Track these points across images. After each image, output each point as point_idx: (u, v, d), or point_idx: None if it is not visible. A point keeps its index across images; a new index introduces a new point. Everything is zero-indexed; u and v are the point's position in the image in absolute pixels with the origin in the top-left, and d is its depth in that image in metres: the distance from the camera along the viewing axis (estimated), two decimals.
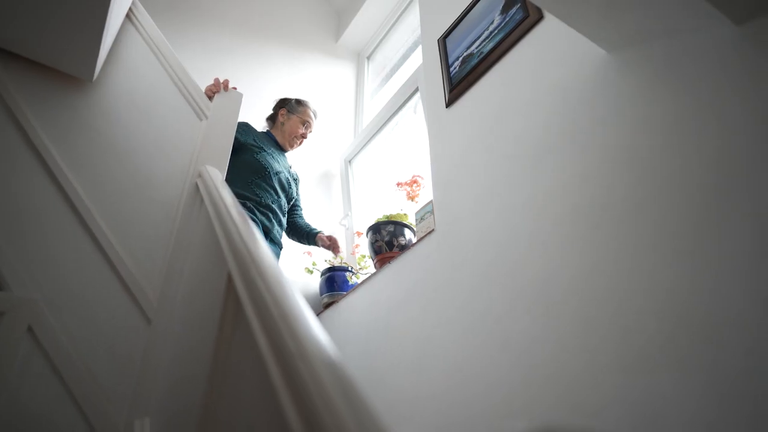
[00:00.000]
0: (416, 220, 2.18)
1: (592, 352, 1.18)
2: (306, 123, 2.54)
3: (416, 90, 2.73)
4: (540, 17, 1.78)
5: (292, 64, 3.56)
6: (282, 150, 2.51)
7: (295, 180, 2.53)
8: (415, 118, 2.81)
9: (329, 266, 2.67)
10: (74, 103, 1.55)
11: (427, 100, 2.32)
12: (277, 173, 2.30)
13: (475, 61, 2.02)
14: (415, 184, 2.48)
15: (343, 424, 0.43)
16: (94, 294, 1.35)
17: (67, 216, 1.40)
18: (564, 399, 1.19)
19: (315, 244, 2.60)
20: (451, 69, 2.17)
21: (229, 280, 0.87)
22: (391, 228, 2.31)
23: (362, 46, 3.96)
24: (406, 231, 2.34)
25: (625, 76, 1.38)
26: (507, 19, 1.93)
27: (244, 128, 2.33)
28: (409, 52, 3.55)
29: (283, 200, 2.35)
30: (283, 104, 2.59)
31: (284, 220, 2.36)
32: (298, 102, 2.59)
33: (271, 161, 2.30)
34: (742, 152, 1.05)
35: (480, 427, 1.38)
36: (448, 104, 2.12)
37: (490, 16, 2.04)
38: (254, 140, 2.31)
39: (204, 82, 2.01)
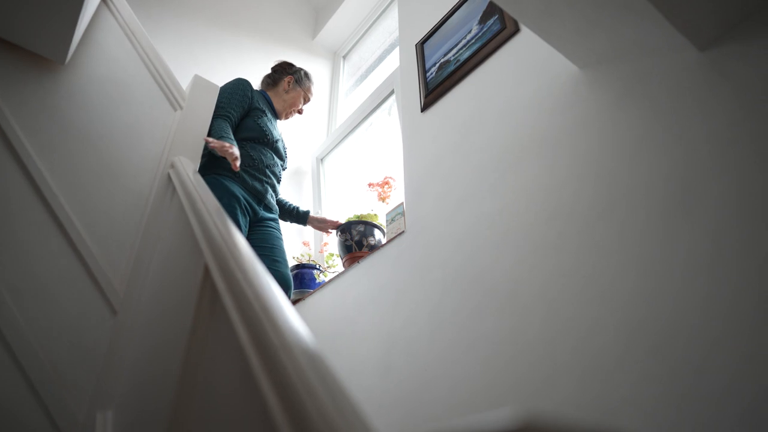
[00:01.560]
0: (387, 221, 2.20)
1: (553, 355, 1.23)
2: (306, 100, 2.39)
3: (392, 92, 2.76)
4: (516, 30, 1.83)
5: (267, 58, 3.52)
6: (276, 116, 2.32)
7: (286, 150, 2.34)
8: (389, 120, 2.84)
9: (297, 263, 2.67)
10: (44, 86, 1.51)
11: (403, 103, 2.35)
12: (275, 140, 2.14)
13: (451, 67, 2.06)
14: (386, 186, 2.51)
15: (327, 412, 0.45)
16: (58, 282, 1.32)
17: (33, 201, 1.36)
18: (525, 400, 1.24)
19: (304, 223, 2.46)
20: (428, 74, 2.21)
21: (206, 272, 0.88)
22: (361, 228, 2.32)
23: (339, 45, 3.96)
24: (376, 231, 2.36)
25: (595, 91, 1.45)
26: (484, 29, 1.98)
27: (250, 89, 2.15)
28: (385, 54, 3.58)
29: (279, 166, 2.19)
30: (290, 71, 2.39)
31: (278, 188, 2.21)
32: (307, 76, 2.42)
33: (272, 128, 2.15)
34: (700, 169, 1.12)
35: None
36: (424, 109, 2.16)
37: (468, 25, 2.09)
38: (258, 102, 2.14)
39: (176, 70, 1.99)
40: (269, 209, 2.10)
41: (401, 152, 2.27)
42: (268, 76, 2.39)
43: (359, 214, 2.41)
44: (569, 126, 1.48)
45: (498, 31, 1.90)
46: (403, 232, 2.00)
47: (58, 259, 1.34)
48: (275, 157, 2.11)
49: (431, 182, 1.94)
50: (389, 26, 3.56)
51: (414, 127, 2.19)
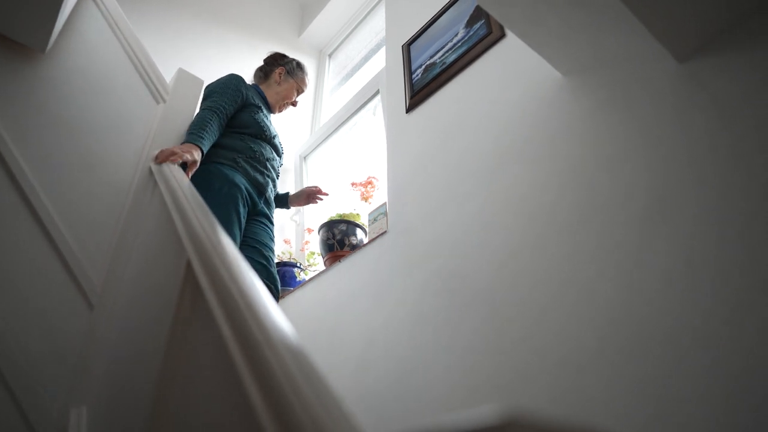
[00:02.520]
0: (369, 220, 2.21)
1: (530, 355, 1.25)
2: (300, 91, 2.26)
3: (377, 92, 2.76)
4: (502, 35, 1.86)
5: (252, 54, 3.50)
6: (270, 110, 2.21)
7: (282, 146, 2.23)
8: (374, 120, 2.84)
9: (278, 261, 2.65)
10: (23, 74, 1.47)
11: (388, 103, 2.36)
12: (272, 136, 2.04)
13: (437, 70, 2.08)
14: (369, 185, 2.51)
15: (311, 407, 0.45)
16: (34, 275, 1.29)
17: (8, 190, 1.33)
18: (501, 398, 1.26)
19: (287, 206, 2.33)
20: (414, 76, 2.22)
21: (188, 267, 0.87)
22: (343, 227, 2.33)
23: (325, 43, 3.95)
24: (358, 231, 2.36)
25: (578, 98, 1.47)
26: (471, 33, 2.00)
27: (243, 84, 2.03)
28: (371, 54, 3.58)
29: (278, 163, 2.09)
30: (282, 62, 2.27)
31: (277, 183, 2.09)
32: (299, 66, 2.28)
33: (268, 122, 2.06)
34: (677, 178, 1.15)
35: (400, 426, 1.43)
36: (409, 110, 2.17)
37: (455, 28, 2.11)
38: (252, 98, 2.02)
39: (160, 63, 1.95)
40: (268, 204, 2.00)
41: (385, 152, 2.28)
42: (259, 69, 2.29)
43: (342, 213, 2.42)
44: (552, 132, 1.51)
45: (484, 35, 1.92)
46: (385, 232, 2.01)
47: (34, 252, 1.32)
48: (273, 152, 2.03)
49: (414, 183, 1.95)
50: (376, 26, 3.56)
51: (399, 128, 2.20)
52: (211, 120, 1.75)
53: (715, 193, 1.07)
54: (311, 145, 3.25)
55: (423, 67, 2.19)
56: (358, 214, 2.45)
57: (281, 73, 2.21)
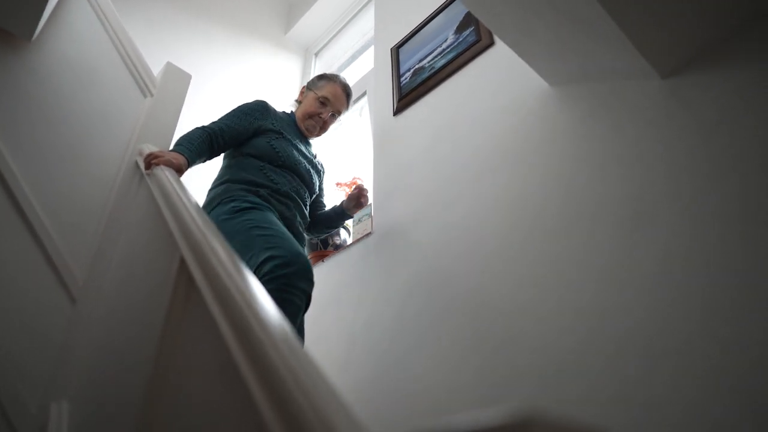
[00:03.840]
0: (353, 221, 2.22)
1: (512, 358, 1.28)
2: (325, 102, 1.94)
3: (364, 94, 2.78)
4: (491, 43, 1.89)
5: (237, 49, 3.48)
6: (306, 137, 1.99)
7: (319, 172, 2.00)
8: (360, 121, 2.85)
9: None
10: (7, 62, 1.44)
11: (375, 105, 2.37)
12: (295, 162, 1.81)
13: (426, 74, 2.10)
14: (354, 186, 2.52)
15: (314, 399, 0.47)
16: (14, 266, 1.27)
17: None
18: (483, 401, 1.28)
19: (347, 216, 2.07)
20: (402, 79, 2.24)
21: (182, 264, 0.87)
22: None
23: (311, 42, 3.94)
24: (342, 231, 2.37)
25: (563, 109, 1.51)
26: (460, 39, 2.03)
27: (261, 110, 1.86)
28: (357, 55, 3.59)
29: (305, 191, 1.84)
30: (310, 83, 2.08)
31: (307, 214, 1.87)
32: (321, 76, 2.05)
33: (289, 148, 1.81)
34: (657, 190, 1.19)
35: (402, 426, 1.45)
36: (396, 112, 2.19)
37: (444, 34, 2.14)
38: (273, 124, 1.83)
39: (144, 55, 1.92)
40: (297, 236, 1.74)
41: (370, 154, 2.29)
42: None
43: None
44: (538, 140, 1.54)
45: (473, 42, 1.95)
46: (370, 233, 2.02)
47: (15, 243, 1.29)
48: (296, 179, 1.80)
49: (401, 186, 1.97)
50: (363, 27, 3.58)
51: (386, 130, 2.22)
52: (200, 137, 1.62)
53: (690, 207, 1.12)
54: None
55: (412, 70, 2.21)
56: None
57: (303, 91, 2.05)
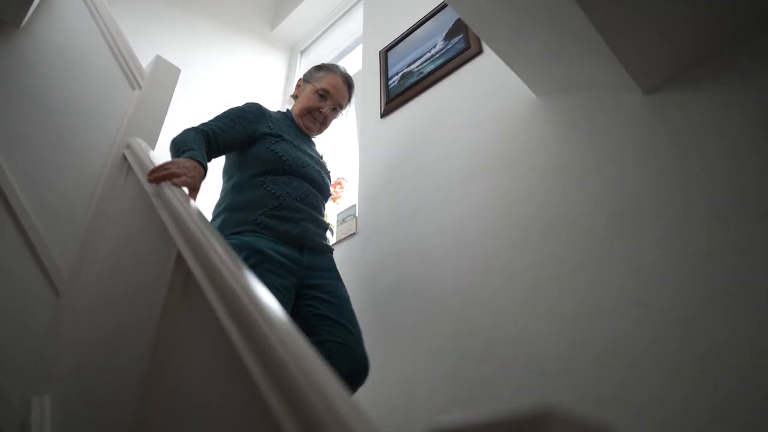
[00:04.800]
0: (337, 221, 2.23)
1: (495, 361, 1.32)
2: (324, 94, 1.73)
3: None
4: (479, 51, 1.93)
5: (223, 44, 3.45)
6: (307, 135, 1.78)
7: (328, 173, 1.78)
8: (345, 120, 2.86)
9: None
10: None
11: (362, 107, 2.39)
12: (303, 165, 1.58)
13: (414, 78, 2.13)
14: (338, 186, 2.54)
15: (319, 387, 0.49)
16: None
17: None
18: (464, 403, 1.32)
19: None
20: (390, 82, 2.27)
21: (179, 259, 0.88)
22: None
23: (297, 40, 3.94)
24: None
25: (548, 119, 1.56)
26: (449, 46, 2.07)
27: (255, 112, 1.63)
28: (343, 55, 3.61)
29: (316, 197, 1.61)
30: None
31: (323, 220, 1.63)
32: (319, 67, 1.83)
33: (292, 151, 1.59)
34: (637, 200, 1.24)
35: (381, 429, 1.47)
36: (384, 115, 2.21)
37: (434, 40, 2.17)
38: (269, 127, 1.61)
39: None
40: (318, 251, 1.53)
41: (355, 154, 2.31)
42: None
43: None
44: (523, 148, 1.59)
45: (462, 49, 1.99)
46: (354, 233, 2.04)
47: None
48: (306, 184, 1.57)
49: (386, 187, 1.99)
50: (350, 28, 3.59)
51: (372, 132, 2.24)
52: (194, 137, 1.41)
53: (668, 217, 1.17)
54: None
55: (400, 74, 2.24)
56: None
57: (299, 84, 1.83)
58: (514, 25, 1.34)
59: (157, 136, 1.67)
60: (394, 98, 2.18)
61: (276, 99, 3.63)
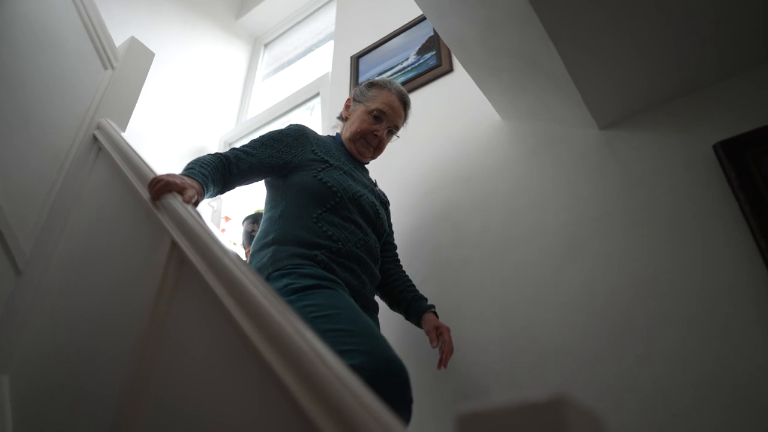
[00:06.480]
0: None
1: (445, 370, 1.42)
2: (380, 116, 1.51)
3: (317, 95, 2.83)
4: (450, 69, 2.04)
5: (184, 27, 3.38)
6: (359, 161, 1.56)
7: (384, 204, 1.55)
8: (310, 119, 2.90)
9: None
10: None
11: (331, 110, 2.44)
12: (356, 196, 1.37)
13: None
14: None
15: (331, 366, 0.55)
16: None
17: None
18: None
19: (417, 323, 1.45)
20: None
21: (173, 247, 0.90)
22: None
23: (262, 32, 3.91)
24: None
25: (511, 142, 1.68)
26: (421, 60, 2.17)
27: (296, 135, 1.43)
28: (307, 52, 3.63)
29: (372, 238, 1.39)
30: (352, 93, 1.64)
31: (377, 270, 1.40)
32: (371, 84, 1.59)
33: (343, 179, 1.38)
34: (587, 224, 1.39)
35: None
36: None
37: (407, 53, 2.26)
38: (314, 152, 1.40)
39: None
40: (368, 308, 1.32)
41: None
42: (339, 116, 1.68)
43: None
44: (485, 166, 1.70)
45: (434, 66, 2.09)
46: None
47: None
48: (361, 229, 1.35)
49: None
50: (317, 28, 3.62)
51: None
52: (212, 162, 1.25)
53: (611, 242, 1.32)
54: (238, 134, 3.22)
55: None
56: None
57: (348, 104, 1.61)
58: (489, 53, 1.45)
59: (128, 119, 1.65)
60: None
61: (235, 89, 3.59)
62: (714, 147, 1.24)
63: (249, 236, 2.34)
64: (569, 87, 1.37)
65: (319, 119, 2.71)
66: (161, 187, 1.04)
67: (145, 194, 1.07)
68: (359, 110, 1.53)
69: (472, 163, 1.75)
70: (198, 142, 3.22)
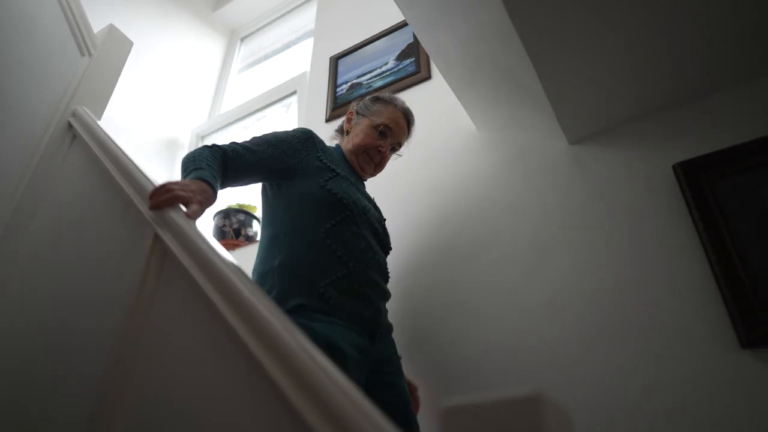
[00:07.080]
0: None
1: (410, 369, 1.46)
2: (384, 130, 1.46)
3: (294, 93, 2.84)
4: (428, 77, 2.09)
5: (160, 15, 3.32)
6: (358, 174, 1.48)
7: (383, 223, 1.45)
8: (286, 116, 2.90)
9: None
10: None
11: (308, 109, 2.45)
12: (365, 211, 1.30)
13: (363, 90, 2.24)
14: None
15: (333, 379, 0.58)
16: None
17: None
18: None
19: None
20: (339, 89, 2.36)
21: (156, 240, 0.91)
22: (242, 217, 2.35)
23: (240, 25, 3.88)
24: (255, 223, 2.41)
25: (485, 151, 1.74)
26: (400, 66, 2.21)
27: (304, 139, 1.35)
28: (283, 48, 3.62)
29: (382, 256, 1.33)
30: (353, 103, 1.60)
31: (387, 286, 1.34)
32: (376, 99, 1.54)
33: (351, 190, 1.29)
34: (555, 231, 1.45)
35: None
36: (329, 119, 2.30)
37: (386, 57, 2.30)
38: (320, 159, 1.32)
39: None
40: (383, 333, 1.26)
41: None
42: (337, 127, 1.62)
43: (241, 203, 2.43)
44: (459, 174, 1.76)
45: (412, 72, 2.14)
46: None
47: None
48: (371, 238, 1.29)
49: None
50: (295, 24, 3.61)
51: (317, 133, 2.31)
52: (207, 153, 1.16)
53: (575, 251, 1.40)
54: (211, 127, 3.19)
55: (349, 83, 2.34)
56: (255, 207, 2.49)
57: (350, 116, 1.55)
58: (471, 67, 1.50)
59: (104, 107, 1.62)
60: (341, 105, 2.27)
61: (209, 84, 3.55)
62: (673, 167, 1.33)
63: (220, 230, 2.33)
64: (543, 103, 1.43)
65: (296, 117, 2.72)
66: (168, 199, 0.94)
67: (123, 183, 1.07)
68: (363, 124, 1.48)
69: (443, 172, 1.80)
70: (170, 132, 3.18)
